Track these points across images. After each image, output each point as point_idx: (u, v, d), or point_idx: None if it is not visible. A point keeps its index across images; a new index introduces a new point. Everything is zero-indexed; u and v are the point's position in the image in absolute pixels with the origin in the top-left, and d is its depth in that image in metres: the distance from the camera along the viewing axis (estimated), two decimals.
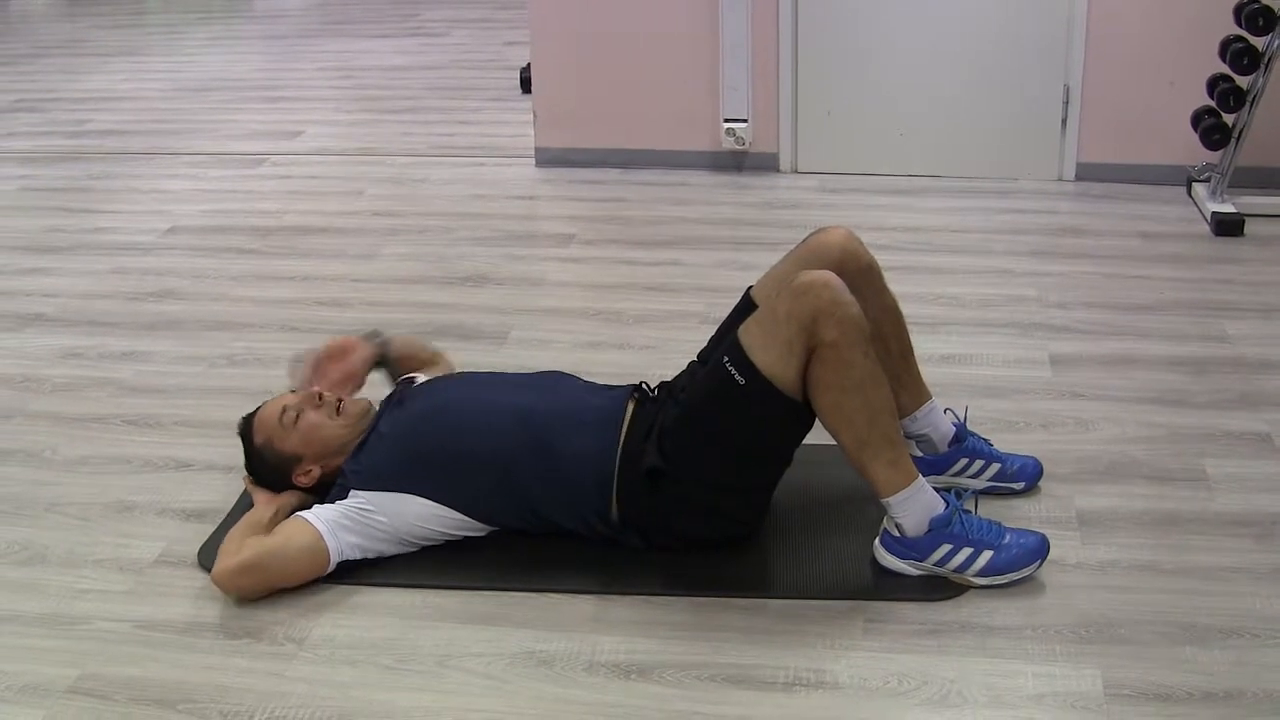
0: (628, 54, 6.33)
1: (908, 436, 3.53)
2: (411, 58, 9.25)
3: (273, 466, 3.50)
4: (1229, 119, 5.52)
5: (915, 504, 3.18)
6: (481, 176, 6.54)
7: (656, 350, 4.52)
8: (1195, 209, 5.69)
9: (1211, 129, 5.52)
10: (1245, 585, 3.22)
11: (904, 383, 3.52)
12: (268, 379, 4.22)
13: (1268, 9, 5.30)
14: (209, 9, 11.58)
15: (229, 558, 3.24)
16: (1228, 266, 5.16)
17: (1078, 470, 3.72)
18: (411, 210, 6.08)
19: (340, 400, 3.54)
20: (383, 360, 3.81)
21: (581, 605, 3.22)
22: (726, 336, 3.32)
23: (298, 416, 3.47)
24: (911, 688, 2.91)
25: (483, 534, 3.38)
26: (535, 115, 6.57)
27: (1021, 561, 3.20)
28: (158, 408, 4.29)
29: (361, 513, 3.30)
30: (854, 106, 6.22)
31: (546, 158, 6.56)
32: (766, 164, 6.34)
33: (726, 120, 6.26)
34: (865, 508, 3.38)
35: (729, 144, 6.28)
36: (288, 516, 3.35)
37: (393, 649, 3.09)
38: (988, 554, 3.18)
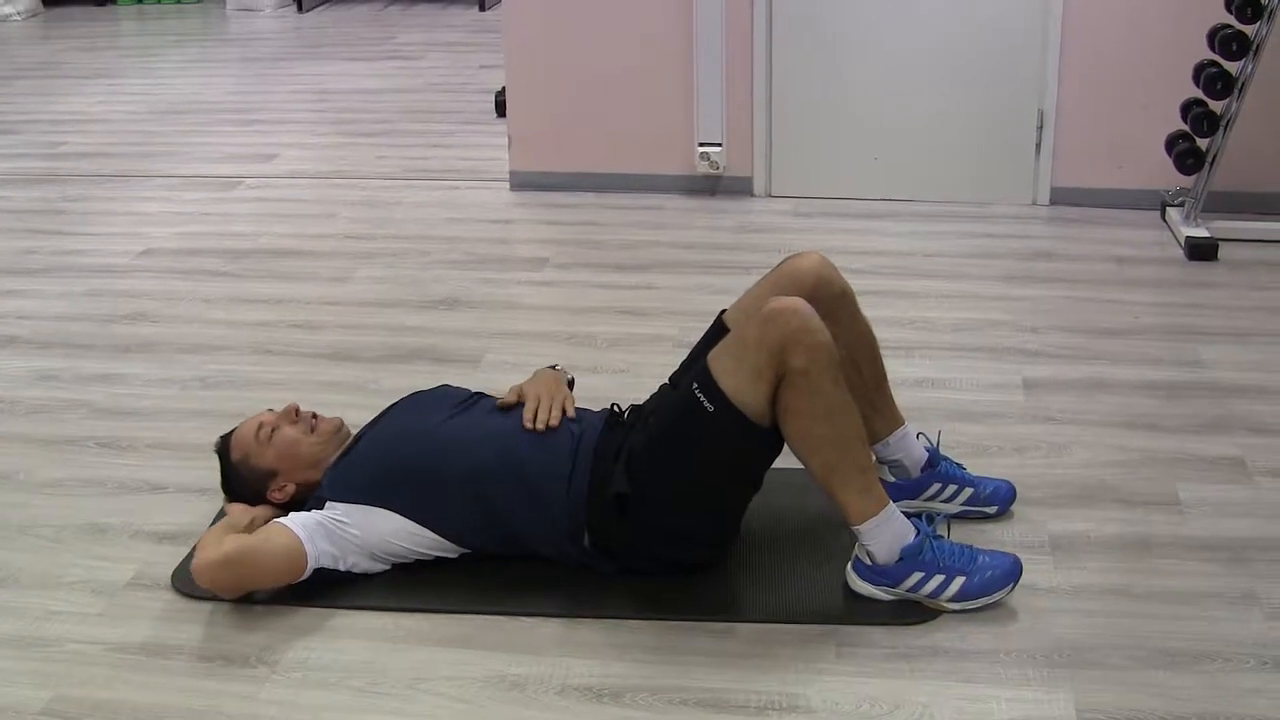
0: (602, 78, 6.34)
1: (880, 462, 3.54)
2: (386, 81, 9.24)
3: (248, 482, 3.51)
4: (1203, 143, 5.54)
5: (886, 532, 3.18)
6: (456, 200, 6.54)
7: (630, 374, 4.52)
8: (1169, 233, 5.71)
9: (1185, 153, 5.54)
10: (1218, 610, 3.23)
11: (877, 408, 3.53)
12: (241, 401, 4.21)
13: (1241, 34, 5.32)
14: (184, 32, 11.57)
15: (210, 550, 3.24)
16: (1201, 291, 5.18)
17: (1051, 495, 3.72)
18: (385, 233, 6.07)
19: (315, 416, 3.56)
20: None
21: (553, 629, 3.22)
22: (697, 361, 3.33)
23: (273, 432, 3.48)
24: (884, 712, 2.91)
25: (454, 555, 3.39)
26: (510, 139, 6.57)
27: (994, 585, 3.20)
28: (131, 430, 4.28)
29: (335, 523, 3.30)
30: (828, 131, 6.23)
31: (521, 181, 6.56)
32: (740, 188, 6.35)
33: (701, 144, 6.27)
34: (838, 532, 3.38)
35: (703, 168, 6.28)
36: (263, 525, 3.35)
37: (365, 672, 3.09)
38: (960, 579, 3.18)
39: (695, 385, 3.17)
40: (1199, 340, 4.72)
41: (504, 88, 6.76)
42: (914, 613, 3.21)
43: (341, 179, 6.95)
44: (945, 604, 3.20)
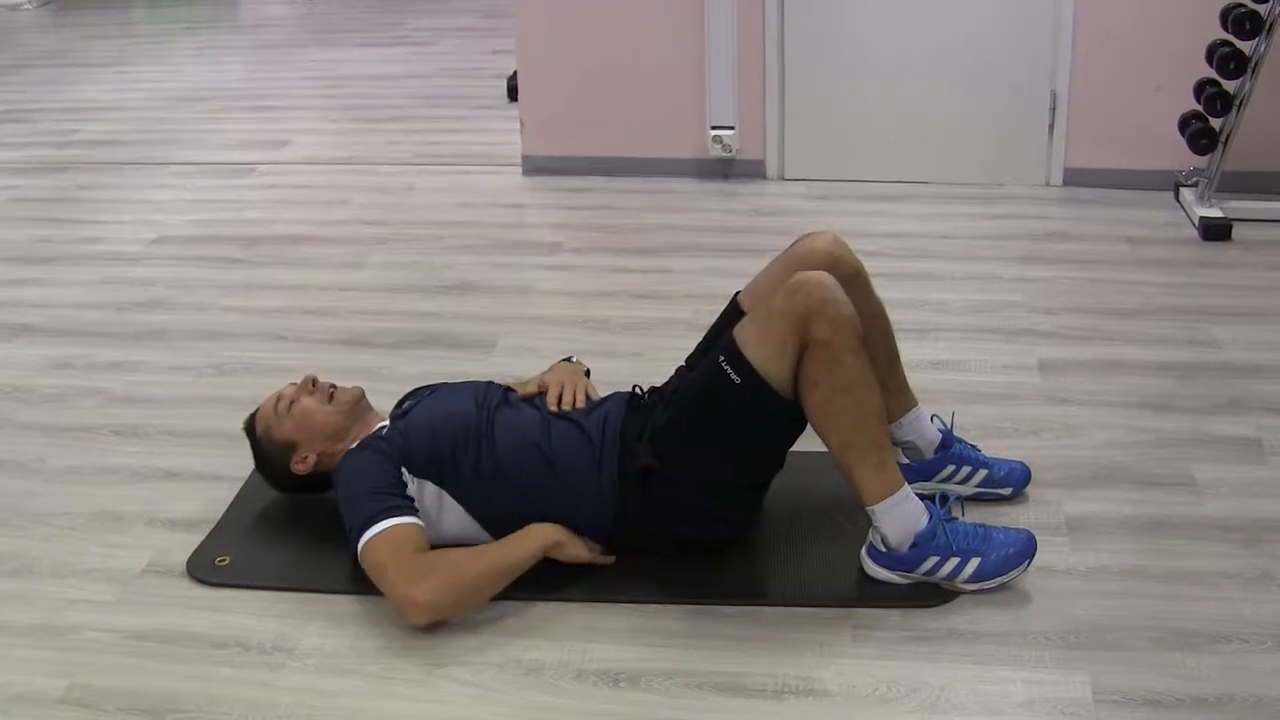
0: (614, 62, 6.33)
1: (894, 443, 3.54)
2: (398, 67, 9.24)
3: (272, 456, 3.52)
4: (1216, 124, 5.53)
5: (899, 514, 3.18)
6: (468, 185, 6.53)
7: (643, 358, 4.52)
8: (1183, 214, 5.70)
9: (1199, 134, 5.53)
10: (1234, 590, 3.22)
11: (890, 389, 3.52)
12: (256, 388, 4.21)
13: (1254, 13, 5.30)
14: (195, 19, 11.57)
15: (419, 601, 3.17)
16: (1215, 271, 5.17)
17: (1066, 476, 3.72)
18: (398, 219, 6.07)
19: (333, 387, 3.55)
20: None
21: (570, 613, 3.22)
22: (716, 341, 3.33)
23: (291, 404, 3.49)
24: (901, 695, 2.91)
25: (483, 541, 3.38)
26: (522, 123, 6.56)
27: (1009, 565, 3.20)
28: (146, 418, 4.28)
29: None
30: (840, 113, 6.22)
31: (533, 166, 6.55)
32: (753, 171, 6.34)
33: (713, 128, 6.26)
34: (853, 515, 3.38)
35: (715, 151, 6.28)
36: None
37: (381, 658, 3.09)
38: (975, 561, 3.18)
39: (721, 358, 3.18)
40: (1213, 320, 4.71)
41: (515, 72, 6.76)
42: (930, 595, 3.21)
43: (354, 165, 6.95)
44: (961, 585, 3.20)
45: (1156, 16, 5.82)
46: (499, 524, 3.34)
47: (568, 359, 3.74)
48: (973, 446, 3.64)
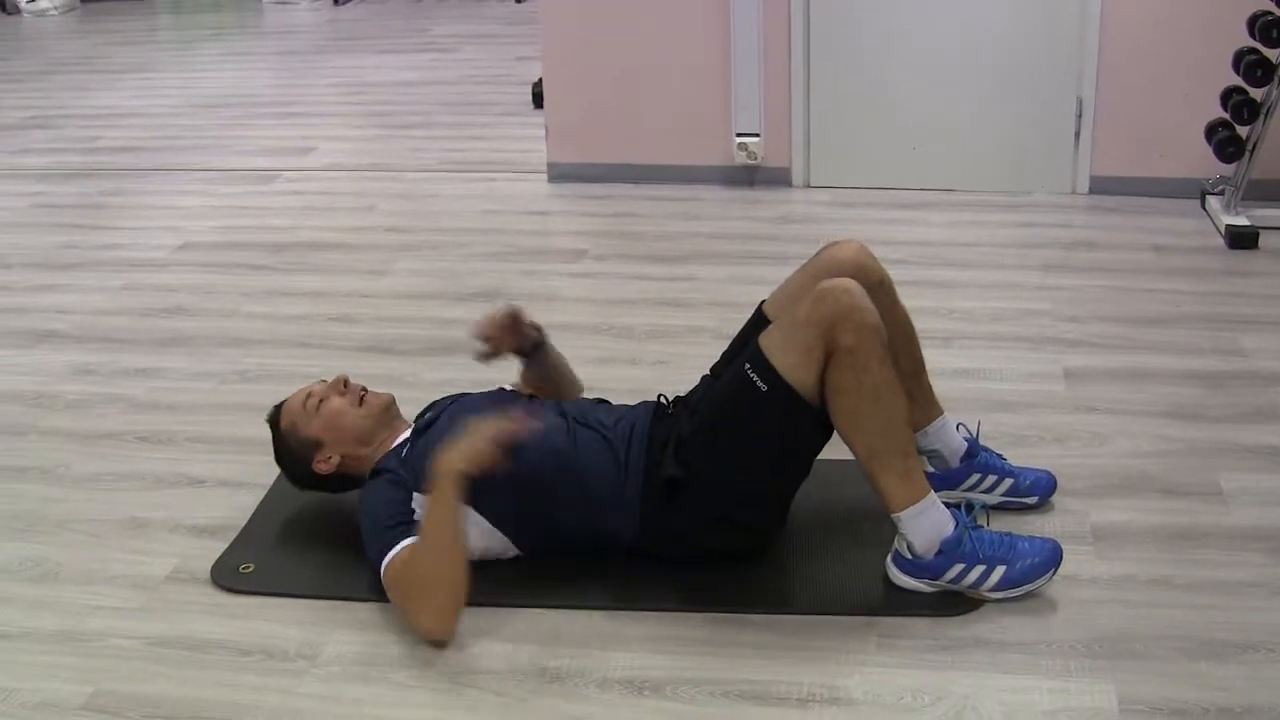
0: (639, 69, 6.33)
1: (919, 452, 3.52)
2: (423, 73, 9.25)
3: (295, 452, 3.51)
4: (1243, 131, 5.50)
5: (925, 521, 3.17)
6: (493, 192, 6.54)
7: (668, 365, 4.51)
8: (1209, 222, 5.68)
9: (1225, 141, 5.51)
10: (1261, 600, 3.20)
11: (915, 397, 3.50)
12: (279, 395, 4.20)
13: None
14: (220, 25, 11.61)
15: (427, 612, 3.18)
16: (1242, 280, 5.15)
17: (1092, 485, 3.70)
18: (423, 226, 6.08)
19: (364, 390, 3.55)
20: (535, 351, 3.79)
21: (594, 622, 3.22)
22: (741, 350, 3.32)
23: (320, 403, 3.48)
24: (925, 704, 2.90)
25: (509, 557, 3.37)
26: (547, 130, 6.56)
27: (1035, 573, 3.19)
28: (170, 424, 4.29)
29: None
30: (866, 121, 6.21)
31: (558, 173, 6.55)
32: (779, 179, 6.34)
33: (738, 135, 6.25)
34: (877, 523, 3.36)
35: (741, 159, 6.27)
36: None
37: (405, 665, 3.09)
38: (1001, 569, 3.17)
39: (748, 365, 3.18)
40: (1240, 329, 4.69)
41: (541, 79, 6.76)
42: (955, 604, 3.19)
43: (379, 172, 6.96)
44: (986, 594, 3.19)
45: (1183, 24, 5.80)
46: (523, 533, 3.34)
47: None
48: (998, 455, 3.63)
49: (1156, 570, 3.33)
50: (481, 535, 3.31)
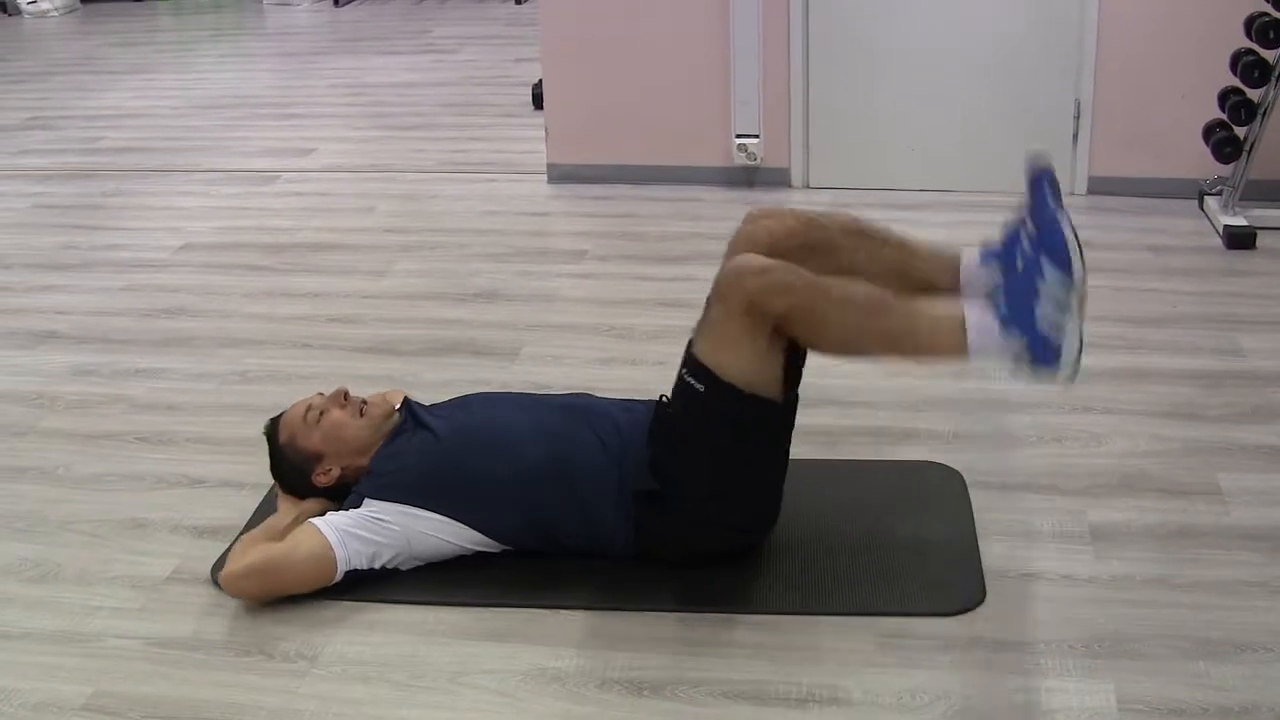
0: (639, 70, 6.33)
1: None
2: (423, 74, 9.25)
3: (295, 465, 3.51)
4: (1240, 132, 5.51)
5: (985, 340, 3.06)
6: (493, 193, 6.54)
7: (669, 366, 4.46)
8: (1207, 222, 5.68)
9: (1223, 142, 5.52)
10: (1260, 599, 3.21)
11: (924, 268, 3.37)
12: (280, 395, 4.21)
13: (1277, 22, 5.29)
14: (220, 26, 11.61)
15: (236, 560, 3.27)
16: (1240, 280, 5.16)
17: (1090, 484, 3.71)
18: (423, 227, 6.08)
19: (365, 401, 3.56)
20: None
21: (594, 622, 3.22)
22: None
23: (321, 415, 3.49)
24: (924, 703, 2.91)
25: (495, 551, 3.38)
26: (547, 131, 6.57)
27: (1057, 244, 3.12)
28: (170, 425, 4.29)
29: (374, 521, 3.30)
30: (865, 121, 6.22)
31: (558, 174, 6.56)
32: (778, 179, 6.34)
33: (738, 136, 6.26)
34: (875, 521, 3.37)
35: (741, 159, 6.28)
36: None
37: (405, 666, 3.09)
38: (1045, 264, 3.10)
39: (685, 370, 3.19)
40: (1238, 329, 4.70)
41: (541, 80, 6.76)
42: (954, 603, 3.20)
43: (379, 173, 6.96)
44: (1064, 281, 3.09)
45: (1180, 25, 5.81)
46: (512, 535, 3.34)
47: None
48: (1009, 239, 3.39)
49: (1155, 570, 3.33)
50: (452, 534, 3.32)
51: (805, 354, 3.29)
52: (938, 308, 3.14)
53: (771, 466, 3.32)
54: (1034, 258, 3.10)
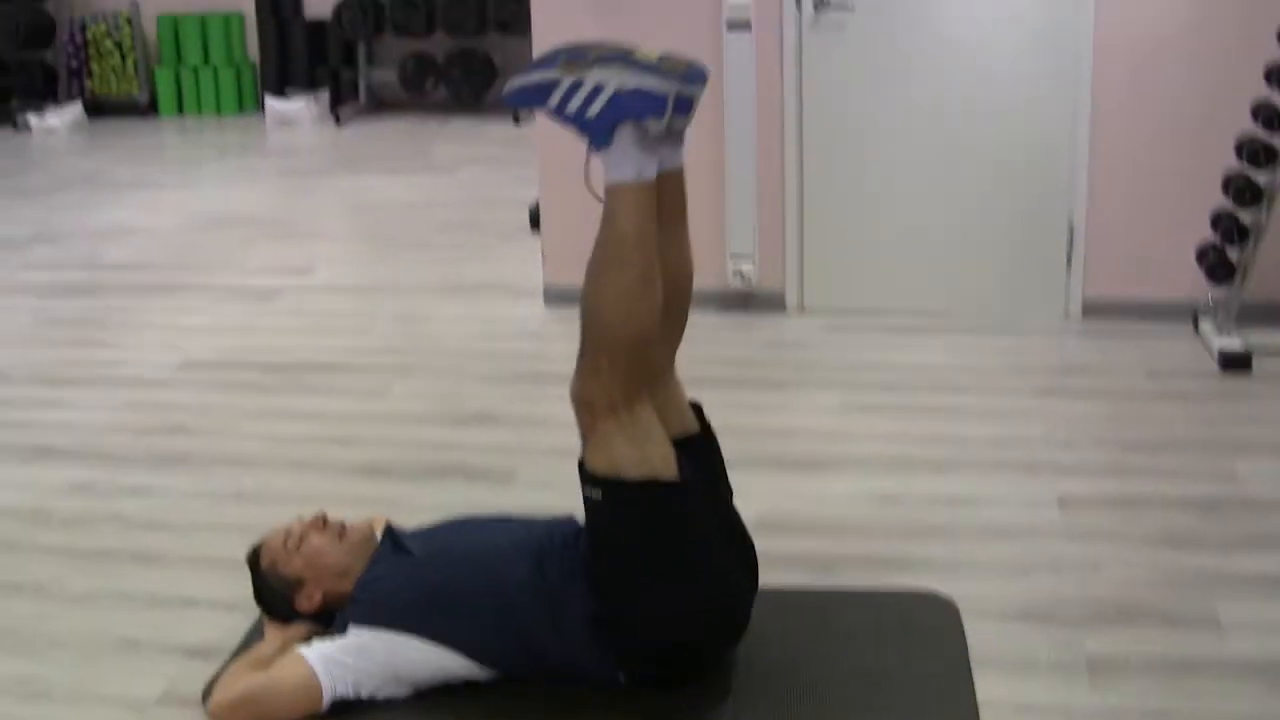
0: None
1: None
2: (422, 194, 9.32)
3: (277, 591, 3.50)
4: (1233, 254, 5.54)
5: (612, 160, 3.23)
6: (490, 314, 6.57)
7: None
8: (1202, 345, 5.70)
9: (1216, 264, 5.56)
10: None
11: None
12: (276, 515, 4.20)
13: (1268, 145, 5.34)
14: (224, 144, 11.70)
15: (225, 691, 3.25)
16: (1236, 403, 5.17)
17: (1086, 613, 3.70)
18: (421, 347, 6.10)
19: (344, 525, 3.55)
20: None
21: None
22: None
23: (301, 541, 3.48)
24: None
25: (482, 678, 3.35)
26: (544, 253, 6.60)
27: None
28: (165, 543, 4.29)
29: (359, 649, 3.28)
30: (860, 246, 6.26)
31: (555, 295, 6.58)
32: (773, 302, 6.37)
33: (733, 258, 6.29)
34: (867, 653, 3.35)
35: (735, 283, 6.30)
36: None
37: None
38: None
39: (582, 486, 3.19)
40: (1235, 454, 4.70)
41: (538, 202, 6.81)
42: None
43: (378, 292, 6.99)
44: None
45: (1173, 148, 5.87)
46: (497, 660, 3.32)
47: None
48: None
49: (1153, 702, 3.31)
50: (437, 660, 3.30)
51: (708, 429, 3.42)
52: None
53: (700, 550, 3.22)
54: (549, 113, 3.21)
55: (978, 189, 6.11)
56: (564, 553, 3.35)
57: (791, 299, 6.36)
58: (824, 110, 6.14)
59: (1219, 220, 5.60)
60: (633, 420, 3.10)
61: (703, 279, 6.30)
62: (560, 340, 6.23)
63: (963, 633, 3.55)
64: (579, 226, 6.46)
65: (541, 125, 6.43)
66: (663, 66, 3.05)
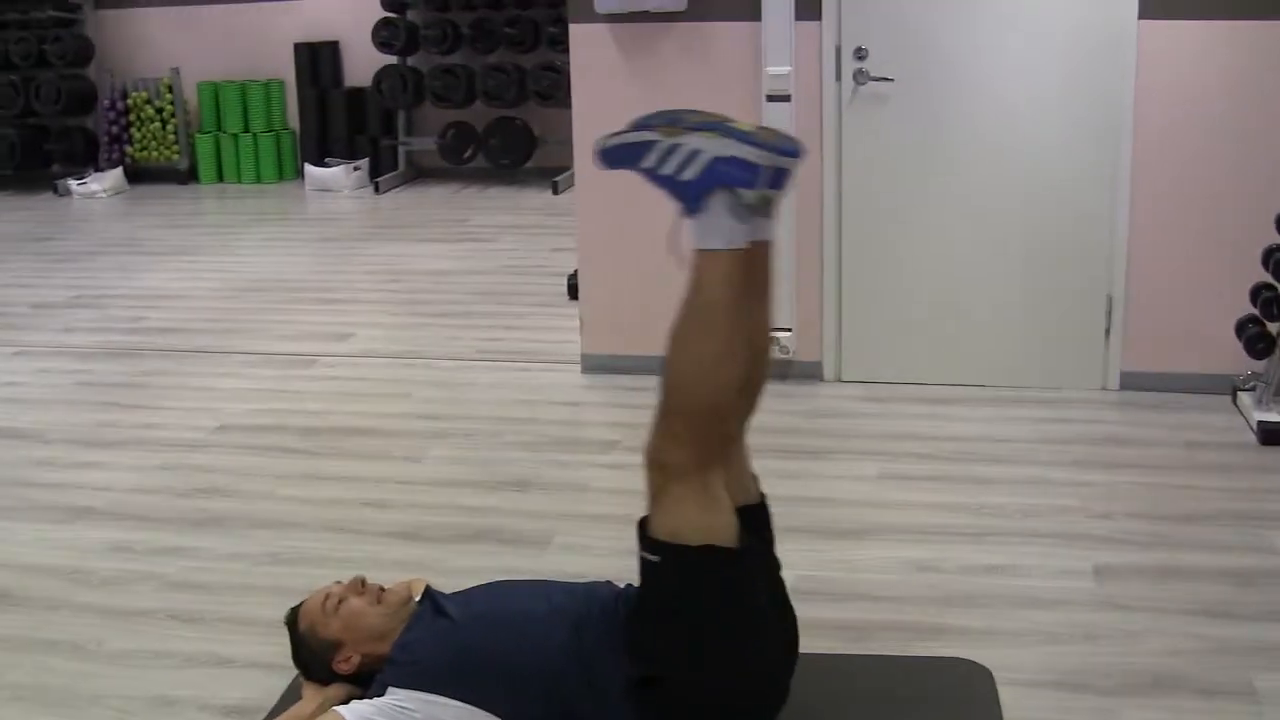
0: (673, 263, 6.37)
1: None
2: (460, 262, 9.36)
3: (315, 653, 3.49)
4: (1273, 328, 5.54)
5: (688, 229, 3.19)
6: (527, 381, 6.59)
7: None
8: (1241, 418, 5.69)
9: (1255, 338, 5.55)
10: None
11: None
12: (311, 578, 4.22)
13: None
14: (263, 211, 11.78)
15: None
16: (1274, 476, 5.15)
17: (1122, 683, 3.69)
18: (457, 414, 6.13)
19: (381, 589, 3.55)
20: None
21: None
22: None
23: (339, 603, 3.48)
24: None
25: None
26: (581, 321, 6.63)
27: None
28: (202, 603, 4.31)
29: (397, 709, 3.28)
30: (897, 317, 6.26)
31: (592, 364, 6.60)
32: (810, 373, 6.37)
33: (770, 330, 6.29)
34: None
35: (774, 352, 6.30)
36: None
37: None
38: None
39: (640, 548, 3.16)
40: (1272, 526, 4.69)
41: (576, 270, 6.84)
42: None
43: (415, 359, 7.02)
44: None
45: (1212, 221, 5.87)
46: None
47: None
48: None
49: None
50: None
51: (764, 501, 3.37)
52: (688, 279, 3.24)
53: (751, 620, 3.21)
54: (645, 176, 3.18)
55: (1017, 260, 6.12)
56: (602, 618, 3.35)
57: (829, 369, 6.37)
58: (862, 181, 6.17)
59: (1259, 294, 5.60)
60: (704, 485, 3.09)
61: None
62: (597, 408, 6.25)
63: (997, 701, 3.53)
64: (617, 296, 6.53)
65: (581, 195, 6.48)
66: (760, 137, 3.05)
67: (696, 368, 3.16)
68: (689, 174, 3.07)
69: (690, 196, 3.10)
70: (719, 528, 3.10)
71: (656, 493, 3.12)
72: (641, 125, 3.11)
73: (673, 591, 3.14)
